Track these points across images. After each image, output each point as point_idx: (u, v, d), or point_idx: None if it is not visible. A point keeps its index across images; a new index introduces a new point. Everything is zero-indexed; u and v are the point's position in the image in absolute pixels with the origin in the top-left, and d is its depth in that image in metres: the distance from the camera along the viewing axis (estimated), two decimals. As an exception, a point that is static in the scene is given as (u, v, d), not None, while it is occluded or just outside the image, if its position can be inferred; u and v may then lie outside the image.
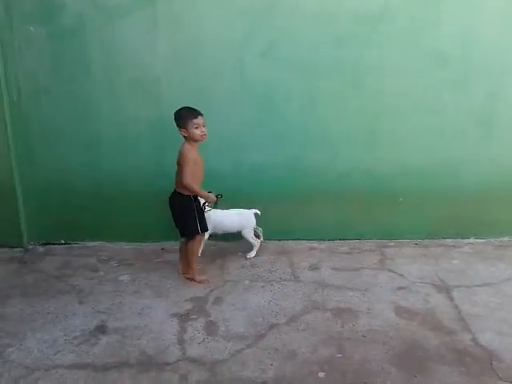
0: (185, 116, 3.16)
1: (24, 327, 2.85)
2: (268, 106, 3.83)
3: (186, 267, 3.44)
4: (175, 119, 3.19)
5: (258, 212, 3.77)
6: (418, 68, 3.73)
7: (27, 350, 2.62)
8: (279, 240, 4.07)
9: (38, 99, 3.80)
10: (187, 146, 3.17)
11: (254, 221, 3.77)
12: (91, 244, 4.10)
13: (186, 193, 3.21)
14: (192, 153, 3.15)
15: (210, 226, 3.46)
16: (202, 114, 3.15)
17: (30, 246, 4.07)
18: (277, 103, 3.83)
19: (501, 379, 2.32)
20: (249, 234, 3.77)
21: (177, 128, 3.17)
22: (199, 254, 3.51)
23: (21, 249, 4.02)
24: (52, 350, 2.61)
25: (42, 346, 2.66)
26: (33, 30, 3.63)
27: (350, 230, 4.10)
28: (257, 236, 3.86)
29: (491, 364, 2.44)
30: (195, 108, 3.15)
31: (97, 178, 4.00)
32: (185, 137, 3.17)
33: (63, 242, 4.12)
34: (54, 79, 3.74)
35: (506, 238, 4.10)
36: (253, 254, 3.78)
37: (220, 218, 3.65)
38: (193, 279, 3.38)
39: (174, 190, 3.27)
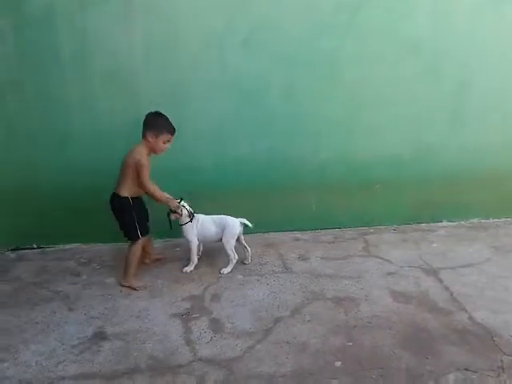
0: (162, 126, 3.09)
1: (14, 340, 2.66)
2: (248, 96, 3.78)
3: (123, 273, 3.23)
4: (149, 123, 3.08)
5: (247, 222, 3.45)
6: (394, 58, 3.82)
7: (24, 364, 2.45)
8: (263, 232, 4.04)
9: (3, 93, 3.53)
10: (143, 150, 3.07)
11: (236, 231, 3.40)
12: (67, 247, 3.89)
13: (125, 194, 3.11)
14: (146, 158, 3.08)
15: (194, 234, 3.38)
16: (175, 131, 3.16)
17: (-1, 253, 3.80)
18: (257, 94, 3.78)
19: (505, 354, 2.44)
20: (228, 244, 3.37)
21: (145, 132, 3.10)
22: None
23: (-11, 256, 3.74)
24: (52, 362, 2.46)
25: (39, 358, 2.49)
26: (-4, 19, 3.35)
27: (331, 219, 4.16)
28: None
29: (493, 340, 2.56)
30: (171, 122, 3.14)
31: (69, 178, 3.78)
32: (146, 142, 3.09)
33: (35, 246, 3.88)
34: (20, 72, 3.49)
35: (475, 220, 4.32)
36: (228, 269, 3.37)
37: (200, 225, 3.40)
38: (129, 286, 3.18)
39: (114, 192, 3.15)
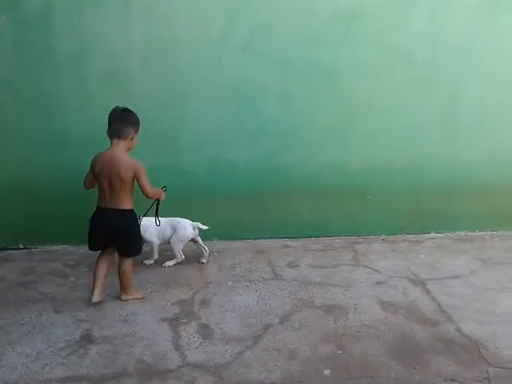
0: (139, 120, 2.92)
1: (0, 341, 2.61)
2: (244, 101, 3.81)
3: (123, 288, 3.04)
4: (135, 121, 2.88)
5: (201, 226, 3.53)
6: (388, 67, 3.89)
7: (10, 366, 2.40)
8: (253, 239, 4.05)
9: (0, 93, 3.49)
10: (127, 155, 2.86)
11: (187, 233, 3.48)
12: (53, 248, 3.86)
13: (129, 207, 2.89)
14: None
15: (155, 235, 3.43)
16: None
17: (-16, 252, 3.74)
18: (253, 99, 3.82)
19: (491, 365, 2.47)
20: (175, 245, 3.50)
21: (129, 131, 2.84)
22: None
23: (-27, 255, 3.68)
24: (38, 364, 2.42)
25: (25, 360, 2.45)
26: (-7, 16, 3.33)
27: (321, 228, 4.19)
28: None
29: (479, 351, 2.59)
30: None
31: (60, 179, 3.75)
32: (126, 143, 2.85)
33: (22, 246, 3.83)
34: (17, 72, 3.49)
35: (462, 232, 4.38)
36: (170, 263, 3.53)
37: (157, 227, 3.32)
38: (135, 298, 3.05)
39: (111, 209, 2.84)
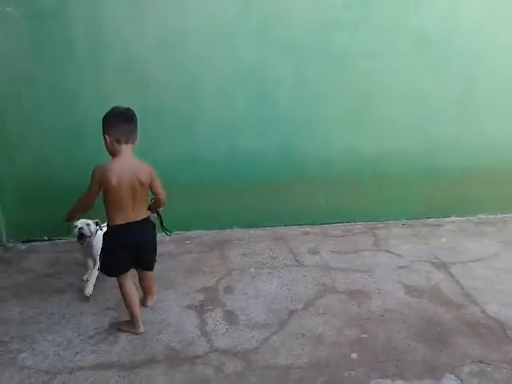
0: None
1: (30, 330, 2.67)
2: (259, 89, 3.79)
3: (150, 293, 2.91)
4: (136, 121, 2.56)
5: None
6: (404, 51, 3.83)
7: (42, 355, 2.46)
8: (272, 226, 4.07)
9: (17, 86, 3.53)
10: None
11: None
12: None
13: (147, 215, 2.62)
14: None
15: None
16: None
17: (10, 244, 3.82)
18: (268, 86, 3.79)
19: (518, 347, 2.47)
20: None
21: (136, 133, 2.54)
22: None
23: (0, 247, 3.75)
24: (70, 352, 2.47)
25: (56, 348, 2.51)
26: (9, 10, 3.34)
27: (340, 214, 4.17)
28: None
29: (506, 333, 2.58)
30: None
31: (79, 171, 3.71)
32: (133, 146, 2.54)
33: (46, 238, 3.89)
34: (33, 64, 3.49)
35: (483, 216, 4.33)
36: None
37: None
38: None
39: (136, 222, 2.52)
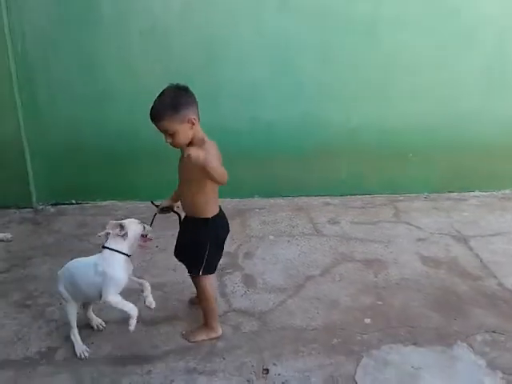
0: None
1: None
2: (282, 59, 3.78)
3: None
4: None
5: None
6: (431, 23, 3.75)
7: (70, 311, 2.59)
8: (293, 196, 4.11)
9: (45, 53, 3.63)
10: None
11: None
12: (103, 203, 4.04)
13: None
14: None
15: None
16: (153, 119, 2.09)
17: (40, 207, 3.97)
18: (291, 57, 3.78)
19: (533, 319, 2.48)
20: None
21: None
22: None
23: (30, 209, 3.92)
24: (95, 307, 2.58)
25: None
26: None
27: (361, 185, 4.18)
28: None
29: (522, 306, 2.60)
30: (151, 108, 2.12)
31: (107, 136, 3.89)
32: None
33: (74, 202, 4.04)
34: (60, 29, 3.57)
35: (507, 191, 4.27)
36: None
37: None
38: None
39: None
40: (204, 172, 1.97)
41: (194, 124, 2.05)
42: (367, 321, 2.48)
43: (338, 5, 3.65)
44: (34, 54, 3.62)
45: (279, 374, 2.12)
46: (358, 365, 2.17)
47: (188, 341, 2.35)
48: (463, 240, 3.36)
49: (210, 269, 2.29)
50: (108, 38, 3.62)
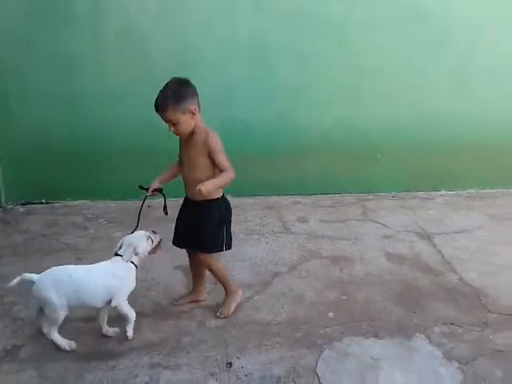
0: None
1: (25, 285, 2.79)
2: (258, 60, 3.86)
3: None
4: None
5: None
6: (402, 25, 3.87)
7: (34, 308, 2.58)
8: (265, 196, 4.16)
9: (18, 52, 3.62)
10: None
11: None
12: (74, 203, 4.03)
13: None
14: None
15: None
16: (158, 110, 2.25)
17: (9, 206, 3.95)
18: (267, 58, 3.87)
19: (490, 312, 2.58)
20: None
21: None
22: None
23: (-1, 209, 3.89)
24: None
25: (50, 302, 2.63)
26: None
27: (331, 185, 4.26)
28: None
29: (480, 299, 2.69)
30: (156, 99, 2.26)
31: (79, 135, 3.89)
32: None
33: (44, 201, 4.02)
34: (34, 29, 3.57)
35: (473, 190, 4.41)
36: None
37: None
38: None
39: None
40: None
41: (194, 114, 2.23)
42: (331, 315, 2.55)
43: (311, 7, 3.73)
44: (6, 54, 3.61)
45: (242, 367, 2.16)
46: (319, 357, 2.22)
47: (226, 317, 2.49)
48: (427, 237, 3.46)
49: (231, 243, 2.49)
50: (83, 38, 3.63)
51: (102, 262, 2.34)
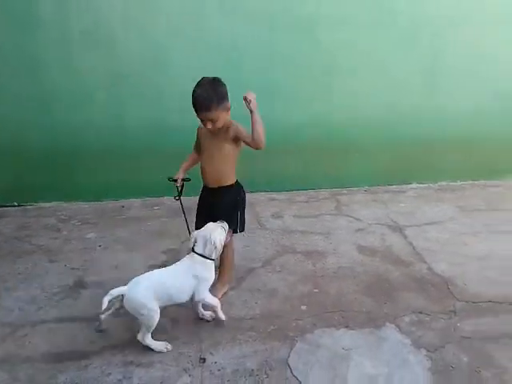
0: None
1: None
2: (227, 59, 3.87)
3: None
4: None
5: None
6: (371, 24, 3.93)
7: (7, 309, 2.58)
8: (240, 193, 4.17)
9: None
10: None
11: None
12: (47, 205, 3.99)
13: None
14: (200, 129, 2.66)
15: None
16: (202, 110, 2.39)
17: (-20, 210, 3.88)
18: (237, 56, 3.89)
19: (458, 300, 2.65)
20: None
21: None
22: None
23: (-31, 213, 3.82)
24: (33, 307, 2.59)
25: (21, 304, 2.62)
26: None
27: (306, 181, 4.31)
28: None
29: (448, 288, 2.76)
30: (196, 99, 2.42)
31: (50, 136, 3.85)
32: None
33: (16, 204, 3.97)
34: (0, 32, 3.50)
35: (443, 183, 4.51)
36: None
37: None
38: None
39: None
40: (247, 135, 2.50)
41: (229, 110, 2.44)
42: (303, 308, 2.58)
43: (278, 5, 3.75)
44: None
45: (216, 362, 2.18)
46: (291, 349, 2.25)
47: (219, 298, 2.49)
48: (399, 229, 3.53)
49: (244, 227, 2.67)
50: (49, 38, 3.60)
51: (181, 262, 2.40)
